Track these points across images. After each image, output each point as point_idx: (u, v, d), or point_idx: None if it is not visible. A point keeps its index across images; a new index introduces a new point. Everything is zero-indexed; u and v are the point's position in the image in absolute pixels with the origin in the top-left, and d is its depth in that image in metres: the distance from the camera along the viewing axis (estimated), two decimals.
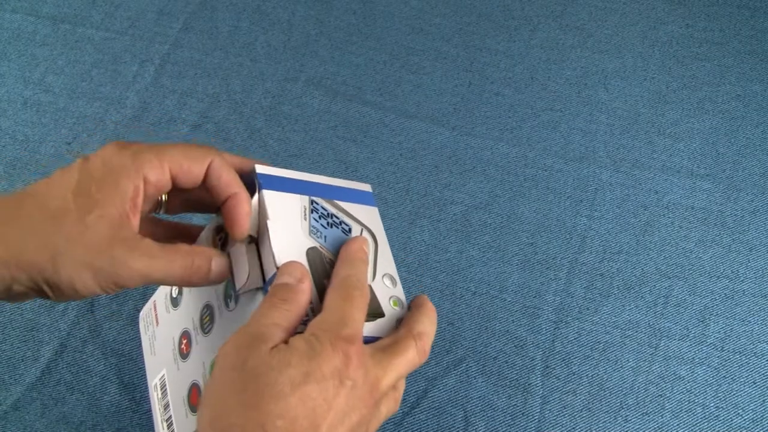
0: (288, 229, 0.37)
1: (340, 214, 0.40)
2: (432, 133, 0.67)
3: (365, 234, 0.40)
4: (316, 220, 0.38)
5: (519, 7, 0.73)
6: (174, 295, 0.44)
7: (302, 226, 0.38)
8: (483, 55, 0.71)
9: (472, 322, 0.62)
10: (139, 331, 0.47)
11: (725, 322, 0.62)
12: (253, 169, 0.38)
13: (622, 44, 0.72)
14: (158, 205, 0.42)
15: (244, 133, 0.68)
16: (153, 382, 0.44)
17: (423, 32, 0.72)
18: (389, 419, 0.58)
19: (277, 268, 0.35)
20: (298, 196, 0.39)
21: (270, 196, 0.37)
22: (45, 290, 0.33)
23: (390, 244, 0.65)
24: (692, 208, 0.66)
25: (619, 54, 0.71)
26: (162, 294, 0.45)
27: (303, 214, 0.38)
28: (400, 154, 0.67)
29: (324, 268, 0.37)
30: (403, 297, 0.39)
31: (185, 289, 0.43)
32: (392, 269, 0.40)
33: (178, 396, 0.41)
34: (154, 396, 0.43)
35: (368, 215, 0.42)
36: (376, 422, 0.34)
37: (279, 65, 0.70)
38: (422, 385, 0.59)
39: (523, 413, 0.59)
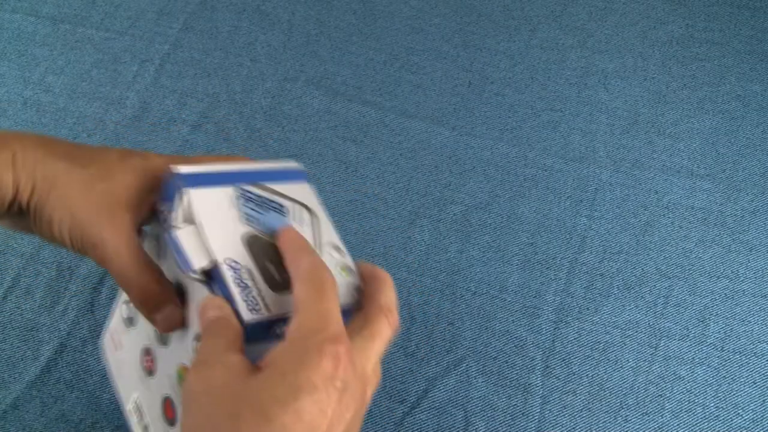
0: (220, 223, 0.36)
1: (272, 196, 0.40)
2: (432, 133, 0.68)
3: (302, 210, 0.40)
4: (248, 207, 0.38)
5: (519, 7, 0.73)
6: (127, 316, 0.43)
7: (235, 216, 0.37)
8: (483, 55, 0.71)
9: (473, 322, 0.62)
10: (103, 361, 0.46)
11: (725, 322, 0.62)
12: (169, 170, 0.37)
13: (622, 44, 0.72)
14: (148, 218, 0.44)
15: (244, 133, 0.68)
16: (128, 407, 0.43)
17: (423, 32, 0.72)
18: (389, 418, 0.58)
19: (217, 265, 0.34)
20: (223, 188, 0.38)
21: (196, 195, 0.37)
22: (30, 213, 0.35)
23: (390, 244, 0.65)
24: (692, 208, 0.66)
25: (619, 54, 0.71)
26: (117, 319, 0.44)
27: (233, 204, 0.38)
28: (400, 154, 0.67)
29: (268, 252, 0.36)
30: (352, 264, 0.39)
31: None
32: (336, 238, 0.40)
33: (154, 414, 0.40)
34: (133, 421, 0.43)
35: (300, 192, 0.41)
36: (366, 407, 0.34)
37: (279, 65, 0.70)
38: (422, 385, 0.59)
39: (523, 413, 0.59)
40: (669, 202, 0.66)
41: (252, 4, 0.72)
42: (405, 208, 0.65)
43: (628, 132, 0.68)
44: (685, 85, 0.70)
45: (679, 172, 0.67)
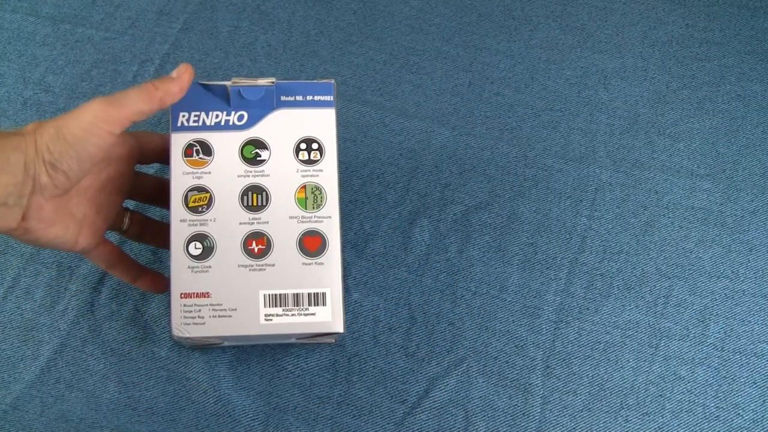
0: None
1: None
2: (432, 133, 0.68)
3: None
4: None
5: (519, 7, 0.73)
6: (198, 253, 0.49)
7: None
8: (483, 55, 0.71)
9: (473, 322, 0.62)
10: None
11: (725, 322, 0.62)
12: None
13: (622, 44, 0.72)
14: (121, 221, 0.54)
15: None
16: (263, 314, 0.49)
17: (423, 32, 0.72)
18: (390, 418, 0.58)
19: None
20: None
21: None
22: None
23: (390, 244, 0.65)
24: (692, 208, 0.66)
25: (619, 54, 0.71)
26: (189, 276, 0.49)
27: None
28: (400, 154, 0.67)
29: None
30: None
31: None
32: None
33: (292, 280, 0.49)
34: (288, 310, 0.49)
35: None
36: None
37: (279, 65, 0.70)
38: (423, 385, 0.59)
39: (523, 413, 0.59)
40: (669, 202, 0.66)
41: (252, 4, 0.72)
42: (405, 208, 0.65)
43: (628, 132, 0.68)
44: (685, 85, 0.70)
45: (679, 172, 0.67)
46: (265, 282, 0.48)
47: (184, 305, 0.47)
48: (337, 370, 0.59)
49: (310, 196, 0.49)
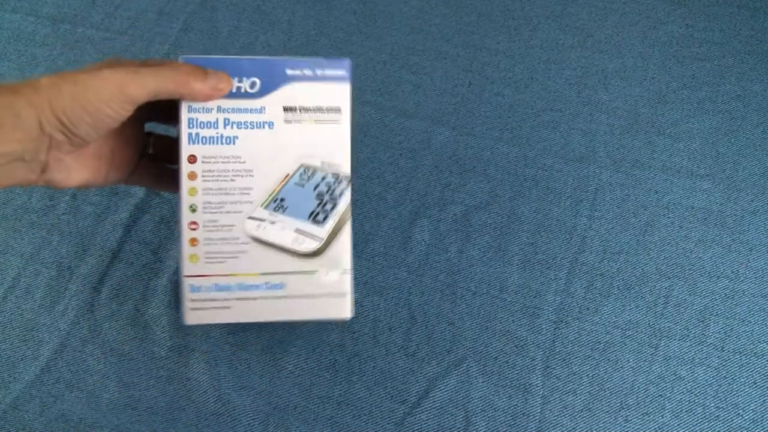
0: None
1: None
2: (432, 133, 0.67)
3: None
4: None
5: (519, 7, 0.73)
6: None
7: None
8: (483, 55, 0.71)
9: (473, 322, 0.62)
10: None
11: (725, 322, 0.62)
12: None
13: (622, 44, 0.72)
14: (145, 146, 0.51)
15: None
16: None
17: (423, 32, 0.72)
18: (390, 418, 0.58)
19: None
20: None
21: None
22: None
23: (390, 244, 0.65)
24: (692, 208, 0.66)
25: (619, 54, 0.71)
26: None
27: None
28: (400, 154, 0.67)
29: None
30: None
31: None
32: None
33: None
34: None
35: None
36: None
37: None
38: (423, 385, 0.59)
39: (523, 413, 0.59)
40: (669, 202, 0.66)
41: (252, 4, 0.72)
42: (405, 208, 0.65)
43: (628, 132, 0.68)
44: (685, 85, 0.70)
45: (679, 172, 0.67)
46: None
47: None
48: (337, 370, 0.59)
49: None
